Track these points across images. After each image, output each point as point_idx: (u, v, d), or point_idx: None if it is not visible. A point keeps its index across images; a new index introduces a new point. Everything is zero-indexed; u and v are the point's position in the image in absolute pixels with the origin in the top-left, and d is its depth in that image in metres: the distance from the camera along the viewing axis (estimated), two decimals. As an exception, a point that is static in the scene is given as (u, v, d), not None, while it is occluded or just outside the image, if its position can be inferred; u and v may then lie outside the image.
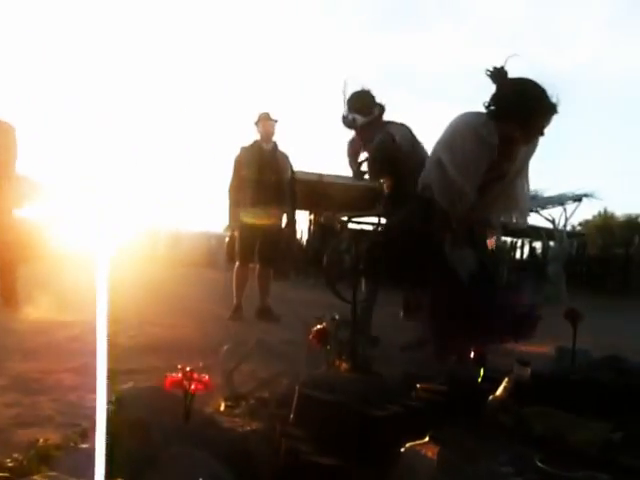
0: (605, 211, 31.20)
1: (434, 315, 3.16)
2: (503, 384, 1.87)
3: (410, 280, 3.33)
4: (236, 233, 5.28)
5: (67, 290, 5.60)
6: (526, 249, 17.41)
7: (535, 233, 12.86)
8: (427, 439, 1.27)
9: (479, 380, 2.12)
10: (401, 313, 4.63)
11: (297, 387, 1.40)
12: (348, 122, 3.86)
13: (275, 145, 5.44)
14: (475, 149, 2.74)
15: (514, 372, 2.26)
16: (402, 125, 3.89)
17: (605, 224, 29.40)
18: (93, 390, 2.25)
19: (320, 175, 13.16)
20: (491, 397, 1.86)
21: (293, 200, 5.54)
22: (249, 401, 1.99)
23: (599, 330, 5.72)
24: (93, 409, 1.96)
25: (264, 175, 5.19)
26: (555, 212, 12.67)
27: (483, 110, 2.77)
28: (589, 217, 30.73)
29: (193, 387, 1.27)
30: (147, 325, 4.15)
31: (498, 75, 2.67)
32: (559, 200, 12.65)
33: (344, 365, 2.31)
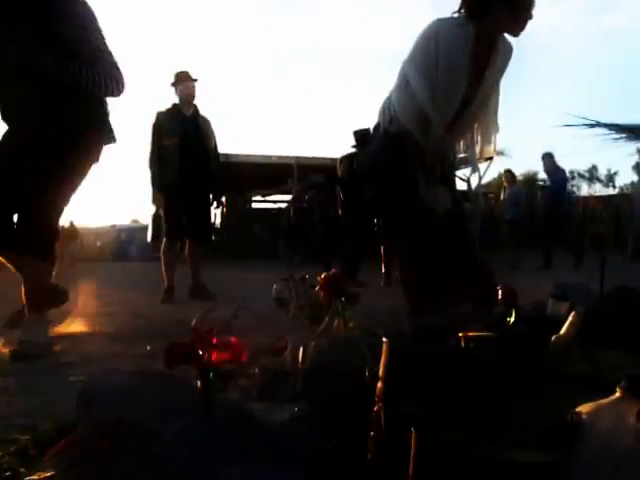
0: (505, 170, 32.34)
1: (414, 263, 2.75)
2: (569, 319, 1.49)
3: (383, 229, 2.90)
4: (161, 210, 4.62)
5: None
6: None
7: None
8: (618, 394, 0.83)
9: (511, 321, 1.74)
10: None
11: (386, 341, 0.90)
12: None
13: (196, 109, 4.81)
14: (452, 65, 2.31)
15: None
16: None
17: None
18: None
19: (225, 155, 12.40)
20: (554, 337, 1.47)
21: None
22: (239, 380, 1.48)
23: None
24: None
25: (188, 143, 4.57)
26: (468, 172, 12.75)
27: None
28: (489, 179, 31.80)
29: (214, 358, 0.73)
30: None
31: None
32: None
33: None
